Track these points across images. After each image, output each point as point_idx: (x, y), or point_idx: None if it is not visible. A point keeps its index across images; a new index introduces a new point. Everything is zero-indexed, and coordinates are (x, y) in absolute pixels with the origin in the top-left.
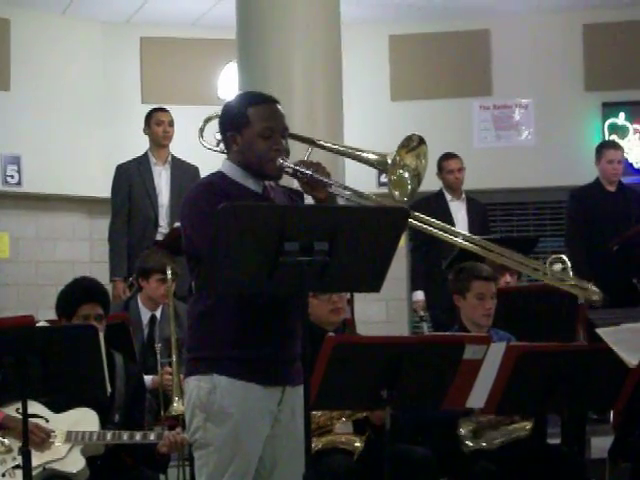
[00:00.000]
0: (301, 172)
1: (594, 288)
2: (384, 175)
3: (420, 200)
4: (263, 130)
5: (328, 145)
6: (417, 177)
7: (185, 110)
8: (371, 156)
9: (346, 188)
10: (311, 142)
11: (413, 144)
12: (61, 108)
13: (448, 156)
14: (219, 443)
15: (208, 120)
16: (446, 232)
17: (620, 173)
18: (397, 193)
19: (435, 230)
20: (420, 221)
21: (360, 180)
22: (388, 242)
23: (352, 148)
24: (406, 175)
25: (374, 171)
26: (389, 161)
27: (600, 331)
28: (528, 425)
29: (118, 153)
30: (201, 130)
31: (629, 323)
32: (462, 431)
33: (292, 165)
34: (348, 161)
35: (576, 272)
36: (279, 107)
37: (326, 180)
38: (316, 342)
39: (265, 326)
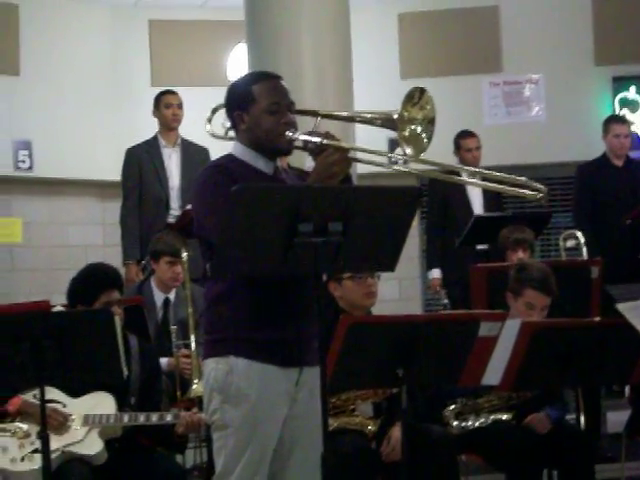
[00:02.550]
0: (311, 142)
1: (539, 185)
2: (397, 144)
3: (435, 178)
4: (269, 105)
5: (333, 113)
6: (430, 123)
7: (194, 92)
8: (377, 115)
9: (358, 149)
10: (315, 114)
11: (415, 99)
12: (71, 92)
13: (466, 134)
14: (237, 425)
15: (215, 110)
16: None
17: (627, 147)
18: (409, 150)
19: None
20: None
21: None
22: (401, 222)
23: (357, 112)
24: (419, 129)
25: (385, 149)
26: (395, 116)
27: (620, 306)
28: (505, 416)
29: (128, 136)
30: (209, 120)
31: None
32: (448, 412)
33: (301, 137)
34: (358, 142)
35: (587, 247)
36: (283, 82)
37: (337, 144)
38: None
39: (281, 307)
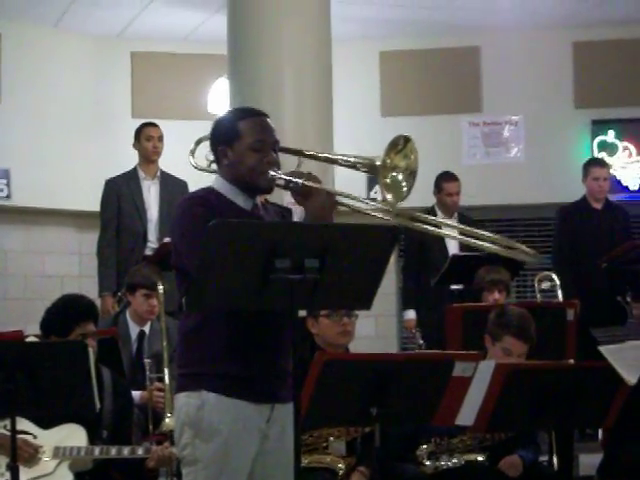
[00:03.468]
0: (293, 182)
1: (529, 250)
2: (376, 182)
3: None
4: (254, 143)
5: (317, 154)
6: (412, 175)
7: (175, 125)
8: (360, 160)
9: (338, 193)
10: (299, 153)
11: (400, 146)
12: (51, 122)
13: (449, 178)
14: (207, 460)
15: (199, 142)
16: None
17: (606, 190)
18: (390, 196)
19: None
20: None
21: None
22: (378, 260)
23: (340, 155)
24: (400, 177)
25: (364, 186)
26: (378, 163)
27: (603, 349)
28: (479, 457)
29: (108, 167)
30: (192, 152)
31: (632, 341)
32: (421, 451)
33: (283, 176)
34: (337, 177)
35: (563, 289)
36: (269, 121)
37: (318, 187)
38: None
39: (255, 342)
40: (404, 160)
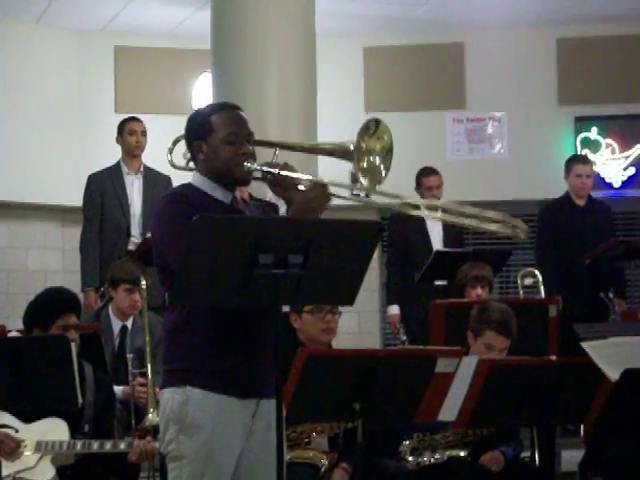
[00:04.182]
0: (269, 172)
1: (522, 225)
2: (352, 168)
3: (396, 214)
4: (228, 135)
5: (292, 145)
6: (388, 154)
7: (159, 120)
8: (334, 147)
9: (332, 184)
10: (274, 145)
11: (371, 130)
12: (34, 116)
13: (428, 172)
14: (192, 456)
15: (176, 141)
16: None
17: (589, 187)
18: (365, 181)
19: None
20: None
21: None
22: (361, 256)
23: (315, 144)
24: (377, 161)
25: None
26: (351, 147)
27: (586, 345)
28: (462, 452)
29: (91, 162)
30: (170, 151)
31: (615, 337)
32: (403, 447)
33: (259, 167)
34: (321, 172)
35: (546, 285)
36: (242, 113)
37: (294, 175)
38: None
39: (239, 338)
40: (378, 142)
